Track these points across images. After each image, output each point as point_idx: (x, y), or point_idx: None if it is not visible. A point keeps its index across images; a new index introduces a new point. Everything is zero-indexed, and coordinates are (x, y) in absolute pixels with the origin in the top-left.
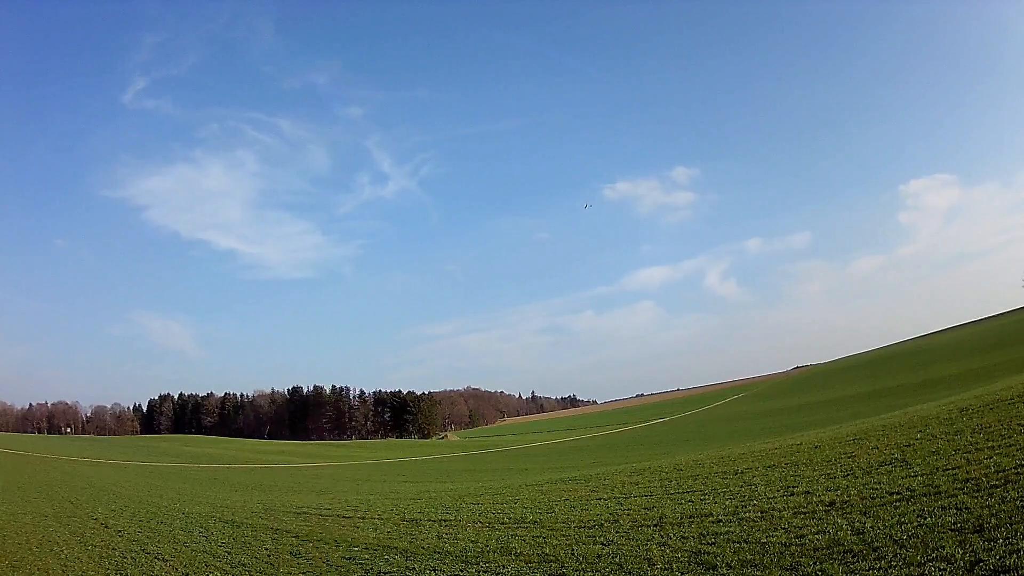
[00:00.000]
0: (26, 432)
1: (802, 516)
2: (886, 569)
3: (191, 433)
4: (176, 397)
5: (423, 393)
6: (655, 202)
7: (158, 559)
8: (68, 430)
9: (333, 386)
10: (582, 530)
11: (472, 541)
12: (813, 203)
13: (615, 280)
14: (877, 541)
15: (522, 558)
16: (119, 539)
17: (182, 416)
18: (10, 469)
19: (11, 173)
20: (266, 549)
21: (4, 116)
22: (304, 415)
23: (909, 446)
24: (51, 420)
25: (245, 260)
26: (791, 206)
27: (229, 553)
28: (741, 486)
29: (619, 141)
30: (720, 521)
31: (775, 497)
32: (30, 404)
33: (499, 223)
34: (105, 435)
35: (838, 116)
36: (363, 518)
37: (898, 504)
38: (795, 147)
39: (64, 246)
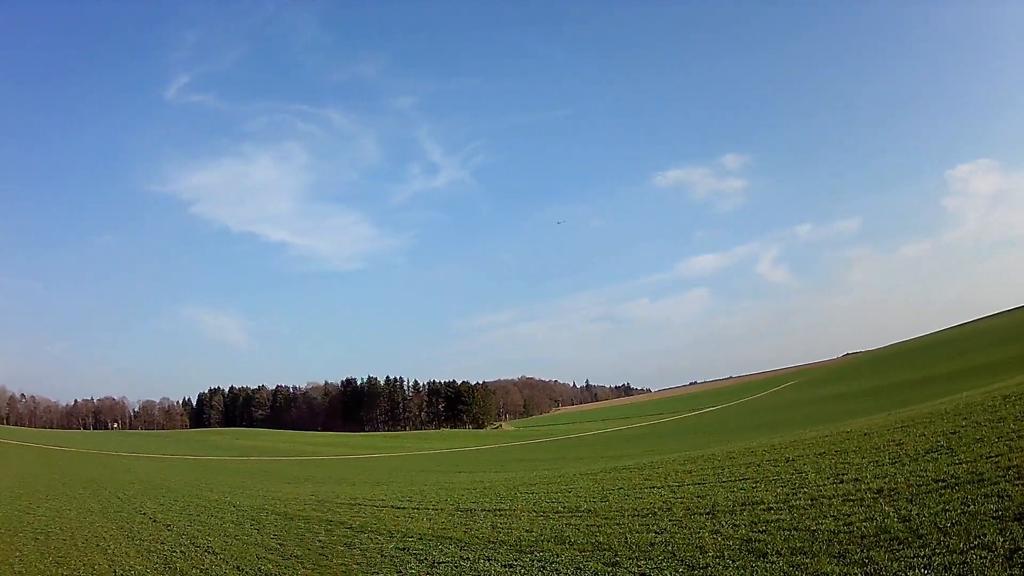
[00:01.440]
0: (71, 428)
1: (851, 503)
2: (929, 556)
3: (242, 427)
4: (227, 391)
5: (477, 383)
6: (707, 189)
7: (208, 552)
8: (115, 426)
9: (387, 377)
10: (635, 518)
11: (526, 530)
12: (862, 188)
13: (669, 267)
14: (922, 528)
15: (576, 547)
16: (168, 533)
17: (233, 409)
18: (54, 465)
19: (56, 170)
20: (319, 541)
21: (48, 114)
22: (358, 407)
23: (954, 433)
24: (97, 416)
25: (296, 252)
26: (840, 192)
27: (281, 545)
28: (792, 474)
29: (669, 129)
30: (771, 509)
31: (825, 484)
32: (75, 400)
33: (552, 211)
34: (154, 430)
35: (885, 101)
36: (417, 509)
37: (942, 492)
38: (843, 133)
39: (109, 241)
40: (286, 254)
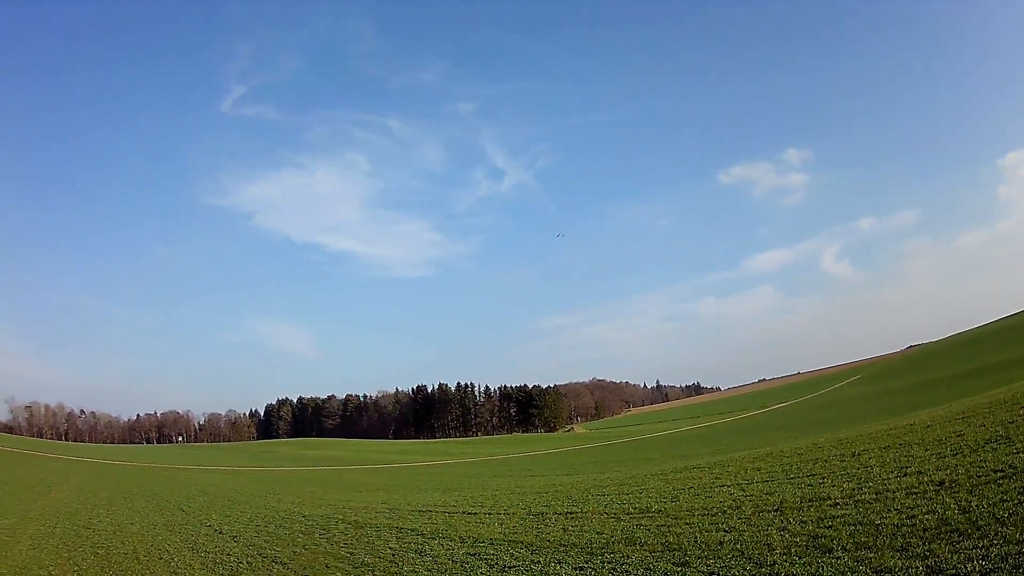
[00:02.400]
0: (134, 443)
1: (914, 496)
2: (987, 547)
3: (312, 437)
4: (295, 401)
5: (548, 386)
6: (769, 185)
7: (276, 563)
8: (180, 439)
9: (458, 383)
10: (705, 517)
11: (597, 532)
12: (919, 179)
13: (735, 265)
14: (981, 520)
15: (646, 548)
16: (234, 544)
17: (302, 420)
18: (116, 480)
19: (112, 186)
20: (390, 548)
21: (104, 130)
22: (429, 413)
23: (1012, 423)
24: (161, 430)
25: (362, 261)
26: (898, 183)
27: (352, 554)
28: (858, 468)
29: (730, 125)
30: (837, 504)
31: (889, 478)
32: (137, 415)
33: (618, 212)
34: (219, 442)
35: (937, 91)
36: (489, 514)
37: (1001, 482)
38: (900, 124)
39: (168, 255)
40: (352, 263)
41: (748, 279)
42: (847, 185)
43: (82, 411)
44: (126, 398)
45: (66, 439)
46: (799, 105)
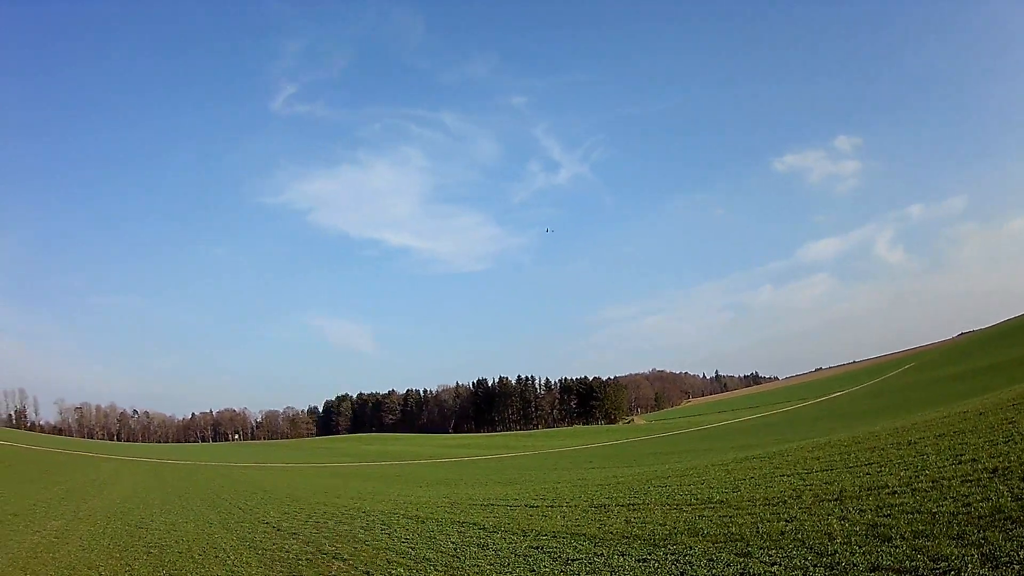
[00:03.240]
0: (188, 442)
1: (968, 484)
2: None
3: (372, 432)
4: (355, 397)
5: (608, 378)
6: (823, 172)
7: (336, 559)
8: (236, 437)
9: (518, 376)
10: (766, 507)
11: (660, 524)
12: (966, 165)
13: (790, 253)
14: None
15: (709, 539)
16: (293, 541)
17: (361, 415)
18: (169, 479)
19: (164, 186)
20: (452, 542)
21: (153, 131)
22: (490, 407)
23: None
24: (216, 428)
25: (420, 256)
26: (945, 169)
27: (413, 549)
28: (914, 456)
29: (782, 112)
30: (895, 492)
31: (945, 466)
32: (192, 414)
33: (673, 202)
34: (277, 439)
35: (981, 74)
36: (551, 507)
37: None
38: (946, 108)
39: (222, 253)
40: (410, 258)
41: (804, 267)
42: (896, 172)
43: (135, 411)
44: (180, 398)
45: (118, 440)
46: (848, 92)
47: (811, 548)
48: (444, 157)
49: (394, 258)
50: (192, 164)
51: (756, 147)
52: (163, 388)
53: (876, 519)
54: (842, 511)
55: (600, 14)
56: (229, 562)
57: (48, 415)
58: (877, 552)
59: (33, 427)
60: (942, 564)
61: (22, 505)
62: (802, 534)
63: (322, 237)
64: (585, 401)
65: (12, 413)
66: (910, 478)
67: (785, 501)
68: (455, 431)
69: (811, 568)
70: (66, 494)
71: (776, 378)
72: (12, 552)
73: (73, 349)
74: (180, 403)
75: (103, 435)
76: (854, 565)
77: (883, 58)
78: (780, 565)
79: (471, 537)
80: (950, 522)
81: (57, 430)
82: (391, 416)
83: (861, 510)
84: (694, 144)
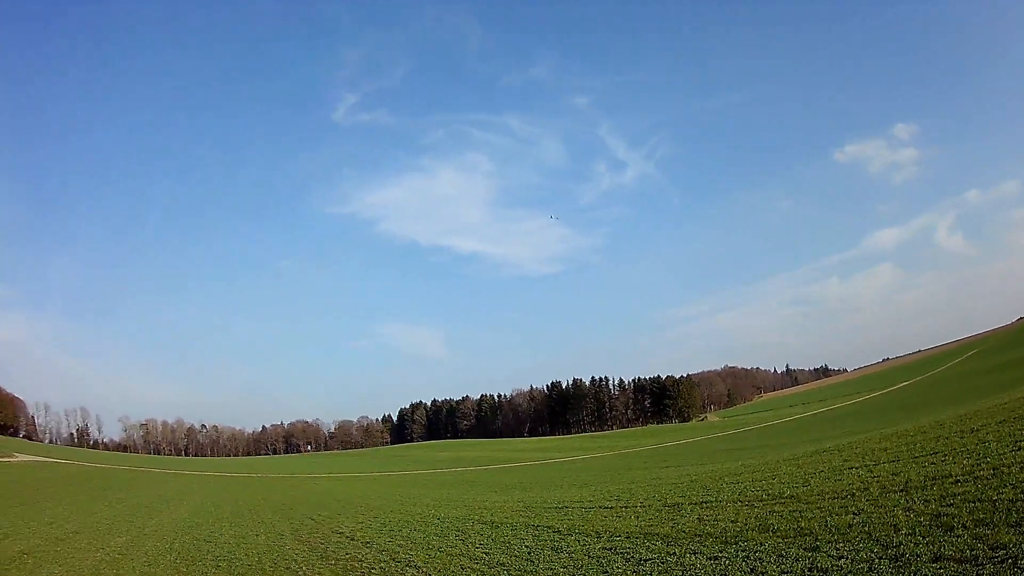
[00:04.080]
0: (259, 455)
1: None
2: None
3: (446, 438)
4: (429, 404)
5: (681, 376)
6: (882, 161)
7: (410, 566)
8: (309, 448)
9: (592, 377)
10: (835, 501)
11: (732, 521)
12: (1018, 146)
13: (855, 244)
14: None
15: (779, 534)
16: (366, 550)
17: (436, 422)
18: (239, 492)
19: (227, 202)
20: (526, 546)
21: (218, 146)
22: (564, 409)
23: None
24: (289, 440)
25: (491, 261)
26: (998, 153)
27: (487, 554)
28: (976, 444)
29: (840, 103)
30: (958, 481)
31: (1005, 453)
32: (263, 427)
33: (739, 196)
34: (351, 449)
35: None
36: (625, 507)
37: None
38: (997, 90)
39: (291, 267)
40: (480, 263)
41: (868, 258)
42: (952, 157)
43: (203, 425)
44: (251, 412)
45: (186, 455)
46: (903, 78)
47: (877, 540)
48: (510, 161)
49: (464, 264)
50: (257, 179)
51: (817, 139)
52: (233, 402)
53: (940, 509)
54: (907, 502)
55: (657, 13)
56: (301, 573)
57: (112, 433)
58: (940, 542)
59: (96, 445)
60: (1000, 552)
61: (84, 523)
62: (869, 526)
63: (391, 246)
64: (659, 400)
65: (74, 432)
66: (972, 466)
67: (853, 494)
68: (530, 435)
69: (876, 560)
70: (131, 510)
71: (845, 370)
72: (74, 570)
73: (138, 366)
74: (251, 416)
75: (170, 451)
76: (917, 556)
77: (935, 41)
78: (847, 559)
79: (545, 540)
80: (1009, 510)
81: (122, 447)
82: (466, 422)
83: (926, 500)
84: (757, 138)
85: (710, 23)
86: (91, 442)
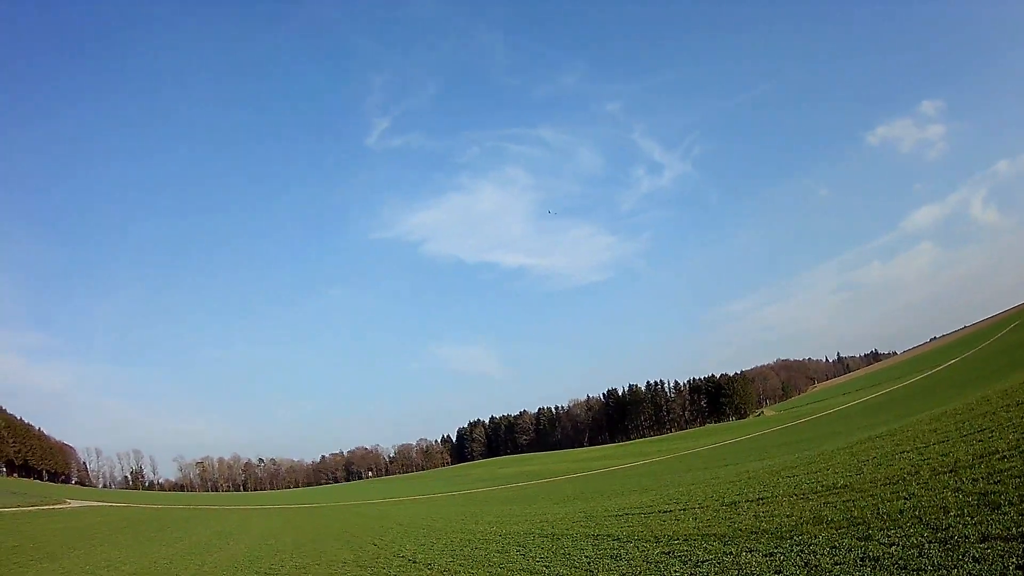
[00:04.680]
0: (319, 484)
1: None
2: None
3: (506, 455)
4: (487, 422)
5: (735, 373)
6: (912, 140)
7: None
8: (370, 474)
9: (647, 382)
10: (887, 487)
11: (787, 515)
12: None
13: (893, 226)
14: None
15: (832, 526)
16: (428, 572)
17: (495, 439)
18: (300, 523)
19: (275, 235)
20: (586, 556)
21: (255, 180)
22: (622, 416)
23: None
24: (349, 468)
25: (537, 273)
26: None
27: (547, 568)
28: (1022, 418)
29: (867, 84)
30: (1004, 457)
31: None
32: (322, 456)
33: (777, 188)
34: (412, 472)
35: None
36: (684, 510)
37: None
38: (1014, 60)
39: (341, 294)
40: (527, 276)
41: (908, 238)
42: (979, 129)
43: (260, 459)
44: (309, 443)
45: (244, 490)
46: (924, 54)
47: (927, 524)
48: (548, 172)
49: (512, 278)
50: (298, 211)
51: (848, 124)
52: (291, 435)
53: (987, 487)
54: (956, 482)
55: (679, 12)
56: None
57: (167, 473)
58: (987, 521)
59: (151, 486)
60: None
61: (141, 564)
62: (919, 510)
63: (437, 266)
64: (715, 399)
65: (128, 475)
66: (1018, 441)
67: (904, 478)
68: (590, 444)
69: (927, 544)
70: (189, 549)
71: (894, 353)
72: None
73: (190, 406)
74: (309, 447)
75: (228, 487)
76: (966, 537)
77: (951, 14)
78: (898, 545)
79: (605, 549)
80: None
81: (178, 487)
82: (525, 436)
83: (974, 479)
84: (790, 129)
85: (732, 18)
86: (146, 484)
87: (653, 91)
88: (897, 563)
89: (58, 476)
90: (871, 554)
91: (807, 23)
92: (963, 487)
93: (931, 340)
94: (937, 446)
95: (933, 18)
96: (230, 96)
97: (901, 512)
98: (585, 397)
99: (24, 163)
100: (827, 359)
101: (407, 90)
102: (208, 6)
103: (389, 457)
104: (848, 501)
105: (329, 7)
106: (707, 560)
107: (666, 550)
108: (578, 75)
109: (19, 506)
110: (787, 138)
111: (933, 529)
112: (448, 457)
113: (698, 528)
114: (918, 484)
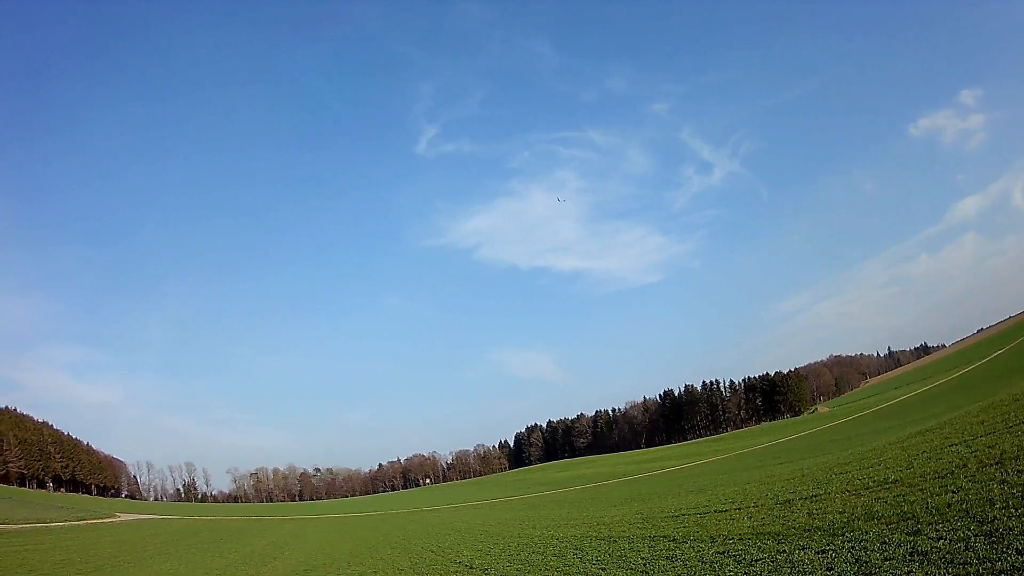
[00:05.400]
0: (376, 492)
1: None
2: None
3: (564, 458)
4: (544, 426)
5: (789, 371)
6: (954, 130)
7: None
8: (427, 481)
9: (703, 382)
10: (935, 481)
11: (839, 512)
12: None
13: (939, 217)
14: None
15: (883, 521)
16: None
17: (552, 443)
18: (357, 531)
19: (328, 248)
20: (642, 558)
21: (308, 191)
22: (679, 417)
23: None
24: (406, 475)
25: (592, 277)
26: None
27: (604, 570)
28: None
29: (907, 77)
30: None
31: None
32: (379, 465)
33: (824, 183)
34: (469, 478)
35: None
36: (739, 509)
37: None
38: None
39: (394, 303)
40: (582, 280)
41: (953, 229)
42: (1018, 118)
43: (316, 469)
44: (366, 451)
45: (300, 500)
46: (961, 43)
47: (973, 517)
48: (598, 175)
49: (567, 282)
50: (349, 221)
51: (891, 116)
52: (348, 444)
53: None
54: (1003, 475)
55: (721, 10)
56: None
57: (221, 485)
58: None
59: (204, 498)
60: None
61: (194, 575)
62: (966, 504)
63: (491, 272)
64: (769, 397)
65: (180, 487)
66: None
67: (952, 472)
68: (647, 445)
69: (972, 538)
70: (243, 559)
71: (943, 345)
72: None
73: (244, 418)
74: (367, 456)
75: (283, 497)
76: (1010, 530)
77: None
78: (945, 539)
79: (661, 550)
80: None
81: (232, 498)
82: (582, 439)
83: (1019, 471)
84: (834, 123)
85: (773, 15)
86: (199, 496)
87: (699, 91)
88: (944, 557)
89: (107, 490)
90: (920, 548)
91: (845, 17)
92: (1008, 479)
93: (978, 331)
94: (984, 438)
95: (967, 4)
96: (278, 107)
97: (949, 506)
98: (642, 399)
99: (69, 177)
100: (878, 354)
101: (455, 97)
102: (256, 23)
103: (447, 464)
104: (899, 496)
105: (375, 18)
106: (761, 559)
107: (721, 550)
108: (624, 77)
109: (67, 520)
110: (832, 133)
111: (979, 522)
112: (506, 462)
113: (753, 527)
114: (965, 477)
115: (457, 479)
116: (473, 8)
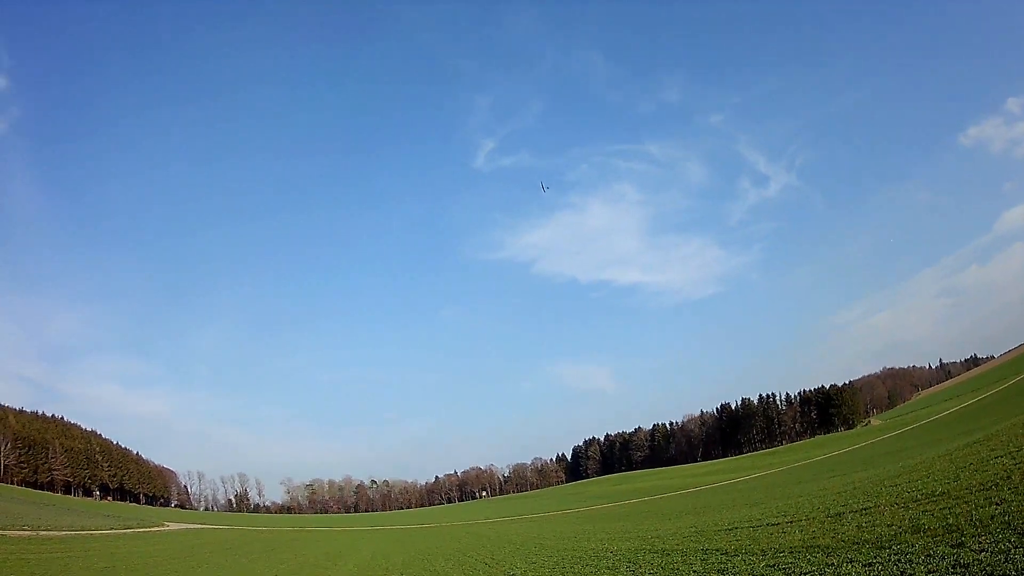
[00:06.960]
0: (432, 505)
1: None
2: None
3: (621, 471)
4: (602, 439)
5: (844, 384)
6: (1003, 138)
7: None
8: (484, 494)
9: (760, 395)
10: (980, 493)
11: (888, 525)
12: None
13: (988, 227)
14: None
15: (928, 534)
16: None
17: (610, 456)
18: (412, 542)
19: (386, 261)
20: (694, 571)
21: (365, 204)
22: (735, 430)
23: None
24: (463, 488)
25: (651, 289)
26: None
27: None
28: None
29: (957, 85)
30: None
31: None
32: (436, 477)
33: (879, 193)
34: (526, 491)
35: None
36: (791, 522)
37: None
38: None
39: (453, 314)
40: (641, 293)
41: (1003, 239)
42: None
43: (373, 481)
44: (423, 463)
45: (356, 511)
46: (1005, 48)
47: (1015, 529)
48: (656, 187)
49: (625, 295)
50: (408, 236)
51: (941, 125)
52: (404, 456)
53: None
54: None
55: (773, 21)
56: None
57: (275, 496)
58: None
59: (257, 509)
60: None
61: None
62: (1009, 516)
63: (549, 285)
64: (824, 410)
65: (232, 498)
66: None
67: (997, 484)
68: (703, 459)
69: (1012, 550)
70: (295, 570)
71: (993, 357)
72: None
73: (298, 429)
74: (423, 468)
75: (338, 509)
76: None
77: None
78: (987, 551)
79: (712, 564)
80: None
81: (286, 509)
82: (639, 453)
83: None
84: (886, 133)
85: (822, 22)
86: (251, 506)
87: (754, 102)
88: (985, 569)
89: (156, 500)
90: (963, 561)
91: (893, 24)
92: None
93: None
94: None
95: (1010, 8)
96: (331, 116)
97: (992, 518)
98: (699, 412)
99: (122, 192)
100: (929, 366)
101: (511, 110)
102: (314, 40)
103: (504, 476)
104: (945, 508)
105: (429, 31)
106: (809, 572)
107: (771, 563)
108: (679, 89)
109: (112, 528)
110: (884, 144)
111: (1020, 535)
112: (563, 475)
113: (803, 540)
114: (1009, 489)
115: (514, 492)
116: (523, 21)
